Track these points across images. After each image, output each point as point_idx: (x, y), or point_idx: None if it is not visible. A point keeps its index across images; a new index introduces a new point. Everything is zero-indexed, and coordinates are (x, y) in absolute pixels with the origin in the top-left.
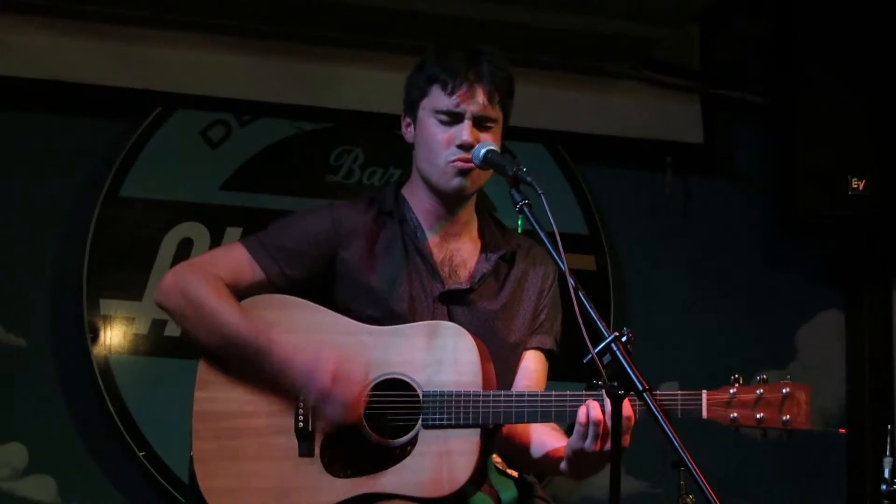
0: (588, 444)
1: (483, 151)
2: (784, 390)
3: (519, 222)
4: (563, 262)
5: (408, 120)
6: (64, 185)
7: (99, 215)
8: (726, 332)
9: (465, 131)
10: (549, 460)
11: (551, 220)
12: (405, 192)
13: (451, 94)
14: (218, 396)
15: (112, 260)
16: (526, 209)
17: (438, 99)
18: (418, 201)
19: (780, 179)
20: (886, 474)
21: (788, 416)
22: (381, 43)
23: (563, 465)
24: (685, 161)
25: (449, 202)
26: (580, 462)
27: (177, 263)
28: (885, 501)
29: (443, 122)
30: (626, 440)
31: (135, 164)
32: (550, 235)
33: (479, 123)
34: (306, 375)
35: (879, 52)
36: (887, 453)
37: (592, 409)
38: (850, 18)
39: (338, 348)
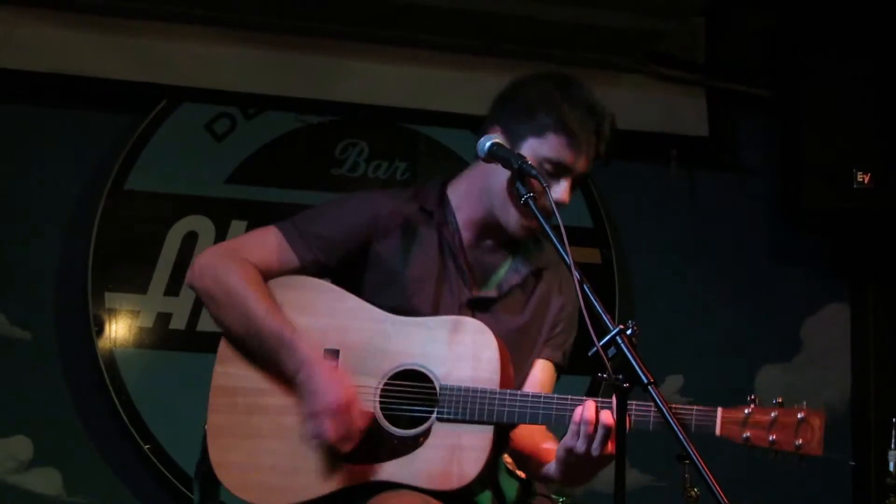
0: (579, 444)
1: (488, 145)
2: (799, 415)
3: None
4: (567, 256)
5: (499, 131)
6: (69, 178)
7: (104, 208)
8: (731, 325)
9: (565, 189)
10: (540, 463)
11: (556, 214)
12: (451, 192)
13: (571, 152)
14: (237, 372)
15: (117, 253)
16: (531, 202)
17: (555, 148)
18: (468, 211)
19: (785, 173)
20: (892, 468)
21: (801, 441)
22: (386, 36)
23: (553, 466)
24: (690, 154)
25: (500, 227)
26: (569, 463)
27: (181, 257)
28: (891, 495)
29: (546, 170)
30: (609, 447)
31: (140, 158)
32: (555, 228)
33: (575, 182)
34: (319, 387)
35: (884, 46)
36: (892, 447)
37: (586, 409)
38: (855, 11)
39: (364, 336)
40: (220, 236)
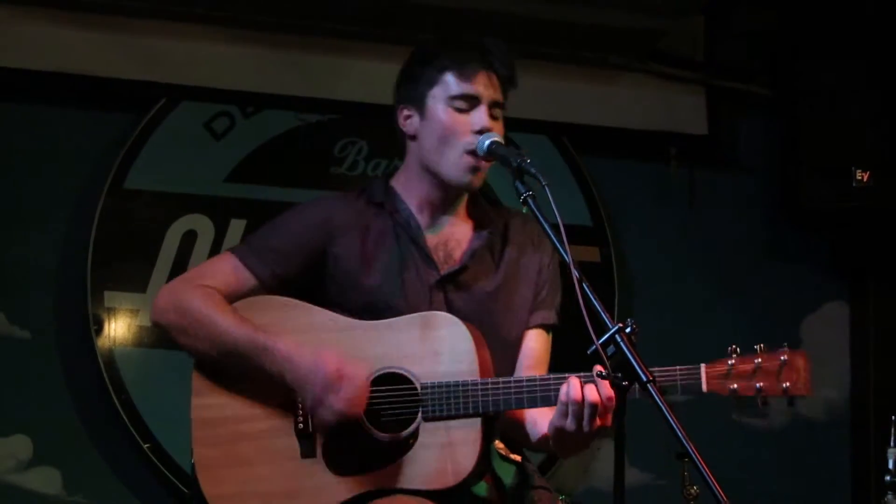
0: (568, 423)
1: (487, 143)
2: (782, 357)
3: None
4: (567, 254)
5: (408, 111)
6: (68, 176)
7: (103, 207)
8: (731, 323)
9: (483, 116)
10: (542, 439)
11: (555, 212)
12: (395, 183)
13: (468, 79)
14: (215, 402)
15: (116, 252)
16: (530, 201)
17: (453, 85)
18: (414, 193)
19: (784, 171)
20: (891, 465)
21: (788, 384)
22: (385, 34)
23: (550, 441)
24: (690, 153)
25: (451, 195)
26: (562, 440)
27: (180, 255)
28: (889, 493)
29: (458, 110)
30: (608, 420)
31: (139, 156)
32: (555, 227)
33: (491, 110)
34: (308, 373)
35: (884, 44)
36: (892, 444)
37: (572, 389)
38: (855, 10)
39: (338, 346)
40: (220, 235)
